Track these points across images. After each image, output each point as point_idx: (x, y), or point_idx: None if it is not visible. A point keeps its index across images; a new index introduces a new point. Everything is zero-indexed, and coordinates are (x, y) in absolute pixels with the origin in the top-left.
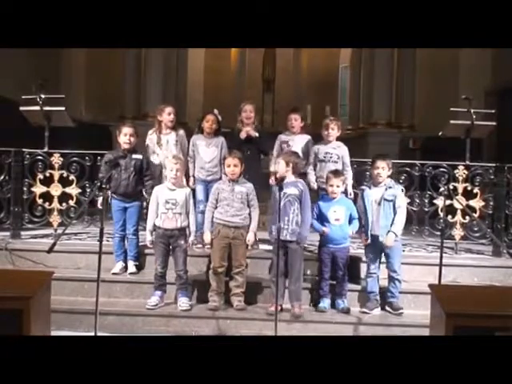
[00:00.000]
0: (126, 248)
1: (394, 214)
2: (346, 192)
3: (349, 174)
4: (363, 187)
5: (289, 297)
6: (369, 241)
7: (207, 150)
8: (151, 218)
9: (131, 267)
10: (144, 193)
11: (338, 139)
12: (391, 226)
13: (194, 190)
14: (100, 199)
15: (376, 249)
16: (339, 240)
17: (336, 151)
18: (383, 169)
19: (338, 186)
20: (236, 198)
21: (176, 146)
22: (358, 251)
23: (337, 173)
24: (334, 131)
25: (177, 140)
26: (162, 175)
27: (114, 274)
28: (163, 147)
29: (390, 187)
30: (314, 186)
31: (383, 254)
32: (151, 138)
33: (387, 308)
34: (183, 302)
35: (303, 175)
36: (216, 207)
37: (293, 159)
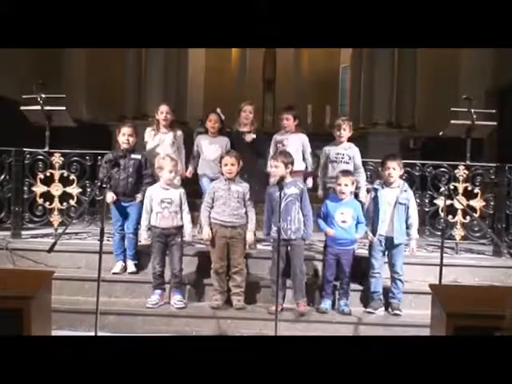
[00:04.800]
0: (126, 247)
1: (407, 217)
2: (356, 194)
3: (361, 175)
4: (376, 186)
5: (293, 295)
6: (375, 240)
7: (210, 147)
8: (145, 217)
9: (131, 267)
10: (137, 195)
11: None
12: (407, 230)
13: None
14: (109, 196)
15: (382, 249)
16: (345, 242)
17: (347, 152)
18: (394, 169)
19: (346, 185)
20: (232, 197)
21: (172, 147)
22: (359, 251)
23: (345, 172)
24: (345, 132)
25: (173, 141)
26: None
27: (114, 273)
28: (158, 145)
29: (405, 190)
30: (321, 193)
31: (387, 255)
32: (149, 133)
33: (389, 308)
34: (178, 300)
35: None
36: (212, 206)
37: (290, 160)
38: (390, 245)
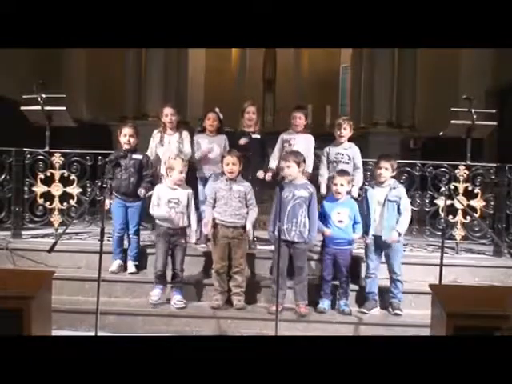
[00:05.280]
0: (125, 247)
1: (399, 214)
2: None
3: (358, 175)
4: (366, 187)
5: (294, 296)
6: (368, 240)
7: (209, 147)
8: (155, 210)
9: (131, 267)
10: (139, 190)
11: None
12: (398, 222)
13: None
14: (107, 201)
15: (377, 249)
16: (342, 242)
17: (347, 152)
18: (386, 169)
19: (341, 185)
20: (234, 197)
21: (178, 148)
22: (357, 251)
23: (341, 172)
24: (346, 131)
25: (179, 142)
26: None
27: (111, 272)
28: (165, 147)
29: (395, 188)
30: (324, 191)
31: (383, 255)
32: (155, 136)
33: (389, 308)
34: (178, 301)
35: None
36: (214, 206)
37: (302, 158)
38: (384, 244)
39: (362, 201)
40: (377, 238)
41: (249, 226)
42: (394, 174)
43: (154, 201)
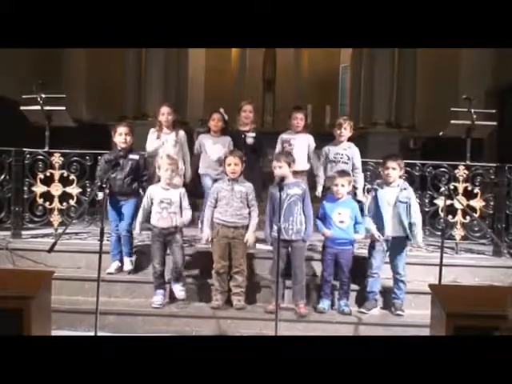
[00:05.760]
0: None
1: (408, 215)
2: (355, 194)
3: (359, 176)
4: (376, 186)
5: (293, 296)
6: (383, 238)
7: (213, 147)
8: (141, 214)
9: (127, 264)
10: (141, 192)
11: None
12: (414, 226)
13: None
14: (100, 194)
15: (382, 249)
16: (343, 242)
17: (347, 152)
18: (393, 169)
19: (342, 186)
20: (235, 197)
21: (174, 147)
22: (358, 251)
23: (342, 172)
24: (346, 131)
25: (176, 141)
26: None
27: (109, 273)
28: (161, 146)
29: (405, 188)
30: (319, 193)
31: (387, 255)
32: (151, 136)
33: (392, 308)
34: (180, 290)
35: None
36: (215, 206)
37: (292, 158)
38: (391, 245)
39: (370, 200)
40: (385, 239)
41: (250, 232)
42: (402, 173)
43: (144, 203)
